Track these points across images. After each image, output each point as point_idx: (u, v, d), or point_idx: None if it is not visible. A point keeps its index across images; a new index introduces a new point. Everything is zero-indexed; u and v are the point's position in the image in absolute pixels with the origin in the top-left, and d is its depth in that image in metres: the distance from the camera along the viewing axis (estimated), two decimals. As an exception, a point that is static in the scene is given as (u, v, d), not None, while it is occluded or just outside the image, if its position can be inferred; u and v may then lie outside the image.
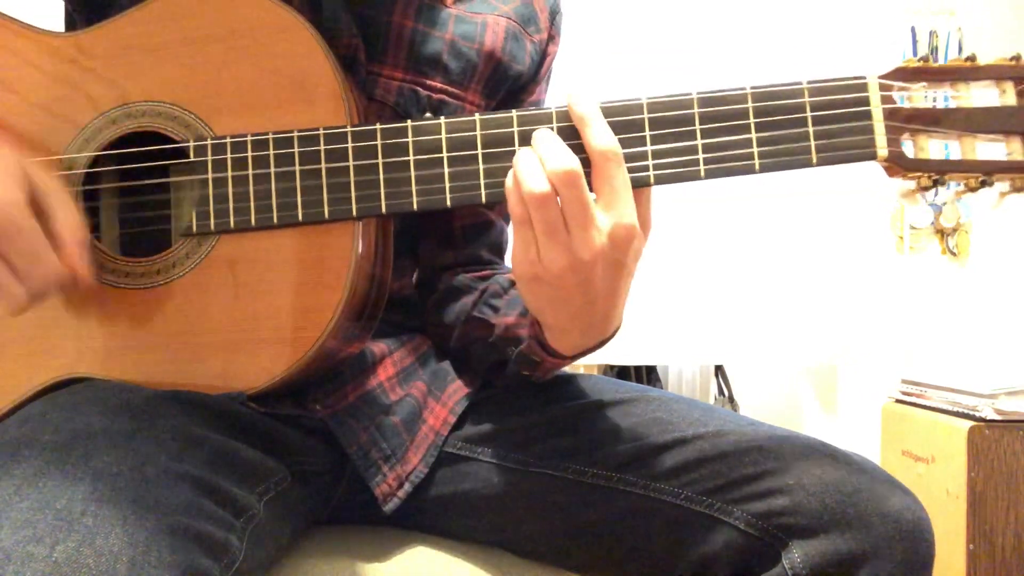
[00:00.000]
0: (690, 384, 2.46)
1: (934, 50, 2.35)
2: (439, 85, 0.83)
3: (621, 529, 0.75)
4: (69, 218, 0.66)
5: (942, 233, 2.50)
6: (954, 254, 2.48)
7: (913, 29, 2.39)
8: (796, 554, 0.68)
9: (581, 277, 0.65)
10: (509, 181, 0.66)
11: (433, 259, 0.91)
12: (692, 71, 2.32)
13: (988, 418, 1.84)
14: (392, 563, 0.76)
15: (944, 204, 2.46)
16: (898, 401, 2.18)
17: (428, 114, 0.79)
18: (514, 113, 0.69)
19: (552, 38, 0.93)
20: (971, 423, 1.84)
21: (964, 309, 2.46)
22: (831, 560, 0.67)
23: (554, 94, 0.96)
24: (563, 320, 0.70)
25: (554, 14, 0.93)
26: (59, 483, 0.51)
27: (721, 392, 2.39)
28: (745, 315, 2.43)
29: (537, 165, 0.64)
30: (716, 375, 2.41)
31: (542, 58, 0.92)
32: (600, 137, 0.65)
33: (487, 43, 0.85)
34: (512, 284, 0.83)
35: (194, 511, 0.55)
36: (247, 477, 0.64)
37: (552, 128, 0.67)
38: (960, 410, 1.92)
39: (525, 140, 0.68)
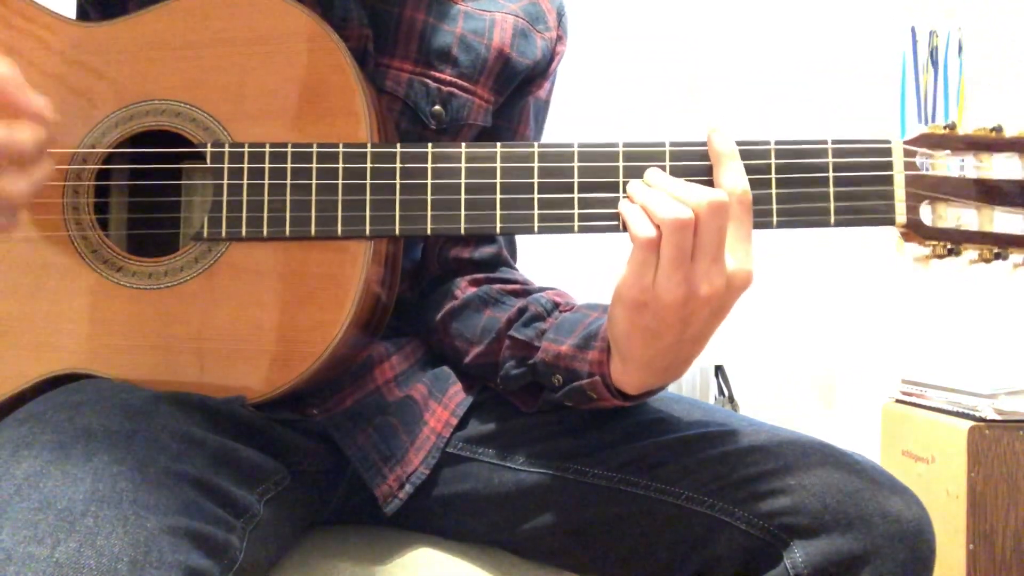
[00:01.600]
0: (690, 384, 2.46)
1: (934, 50, 2.35)
2: (448, 78, 0.83)
3: (622, 529, 0.75)
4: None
5: (942, 233, 2.50)
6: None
7: (913, 29, 2.39)
8: (798, 554, 0.68)
9: (687, 312, 0.63)
10: (626, 206, 0.65)
11: (444, 251, 0.88)
12: (690, 64, 2.32)
13: (988, 418, 1.84)
14: (392, 563, 0.76)
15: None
16: (898, 401, 2.18)
17: (437, 107, 0.79)
18: (535, 147, 0.69)
19: (560, 38, 0.93)
20: (971, 423, 1.84)
21: (964, 309, 2.46)
22: (832, 560, 0.67)
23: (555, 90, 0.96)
24: (648, 355, 0.67)
25: (560, 15, 0.94)
26: (60, 483, 0.51)
27: (721, 392, 2.38)
28: (745, 316, 2.42)
29: (682, 192, 0.63)
30: (716, 375, 2.40)
31: (552, 56, 0.92)
32: (739, 178, 0.65)
33: (496, 39, 0.86)
34: (555, 307, 0.81)
35: (194, 511, 0.55)
36: (247, 477, 0.64)
37: (573, 164, 0.68)
38: (960, 410, 1.91)
39: (545, 174, 0.68)
